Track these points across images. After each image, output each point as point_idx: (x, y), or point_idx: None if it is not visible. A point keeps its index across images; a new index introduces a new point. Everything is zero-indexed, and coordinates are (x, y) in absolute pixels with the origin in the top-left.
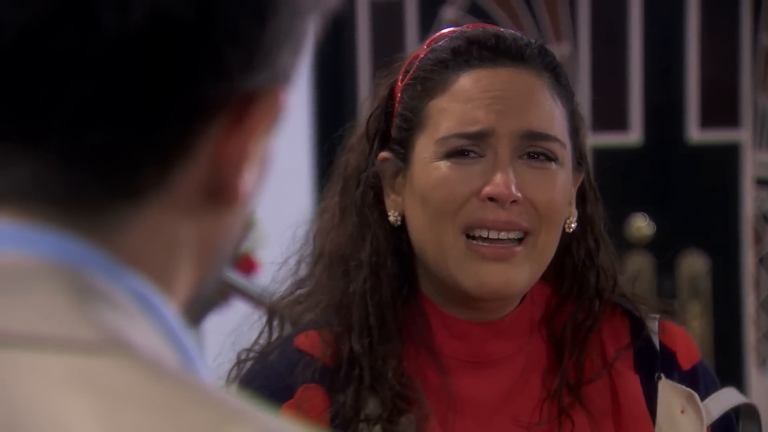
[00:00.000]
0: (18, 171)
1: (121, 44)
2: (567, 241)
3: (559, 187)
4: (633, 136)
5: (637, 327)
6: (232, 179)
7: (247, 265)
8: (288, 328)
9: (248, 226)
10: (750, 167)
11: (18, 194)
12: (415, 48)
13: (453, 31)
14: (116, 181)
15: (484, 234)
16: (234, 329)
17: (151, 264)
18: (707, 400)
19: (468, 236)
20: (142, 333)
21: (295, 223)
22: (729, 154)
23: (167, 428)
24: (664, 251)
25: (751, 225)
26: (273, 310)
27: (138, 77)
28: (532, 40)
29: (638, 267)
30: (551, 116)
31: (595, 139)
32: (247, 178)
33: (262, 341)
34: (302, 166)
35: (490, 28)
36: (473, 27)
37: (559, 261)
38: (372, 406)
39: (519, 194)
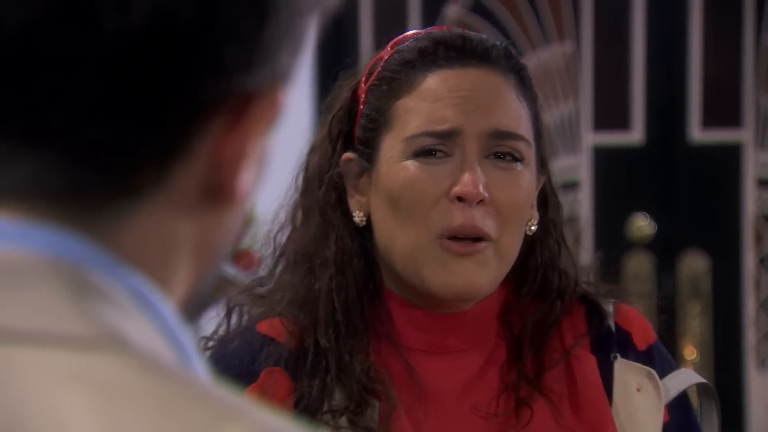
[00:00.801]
0: (18, 169)
1: (121, 43)
2: (530, 244)
3: (523, 189)
4: (635, 135)
5: (593, 312)
6: (231, 178)
7: (246, 261)
8: (247, 320)
9: (248, 222)
10: (751, 167)
11: (18, 192)
12: None
13: (417, 33)
14: (116, 179)
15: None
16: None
17: (149, 262)
18: (665, 379)
19: (439, 240)
20: (140, 330)
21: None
22: (731, 154)
23: (164, 424)
24: (664, 251)
25: (752, 225)
26: (232, 304)
27: (138, 76)
28: (498, 42)
29: (639, 266)
30: (518, 116)
31: (597, 138)
32: (246, 177)
33: (221, 332)
34: None
35: (456, 29)
36: (438, 29)
37: (523, 262)
38: (338, 398)
39: (486, 194)
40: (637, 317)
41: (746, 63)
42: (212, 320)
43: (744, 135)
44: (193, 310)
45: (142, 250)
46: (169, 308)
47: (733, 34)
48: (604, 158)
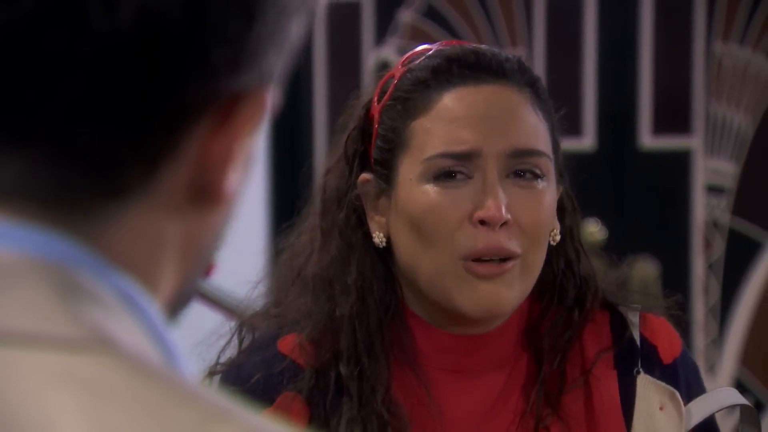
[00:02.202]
0: (6, 169)
1: (109, 44)
2: (548, 253)
3: (545, 206)
4: (586, 141)
5: (617, 322)
6: (218, 179)
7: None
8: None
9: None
10: (701, 174)
11: (4, 192)
12: (371, 50)
13: (428, 49)
14: (103, 180)
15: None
16: (202, 338)
17: (136, 262)
18: (690, 404)
19: (464, 260)
20: (127, 331)
21: (249, 222)
22: (681, 161)
23: (153, 426)
24: (615, 256)
25: (701, 231)
26: (242, 324)
27: (126, 77)
28: (510, 56)
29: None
30: (536, 131)
31: None
32: (233, 178)
33: (231, 354)
34: (257, 166)
35: (467, 45)
36: (449, 44)
37: (541, 272)
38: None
39: (509, 216)
40: (664, 328)
41: (696, 70)
42: (221, 342)
43: (694, 142)
44: (178, 310)
45: (129, 251)
46: (155, 309)
47: (684, 41)
48: None
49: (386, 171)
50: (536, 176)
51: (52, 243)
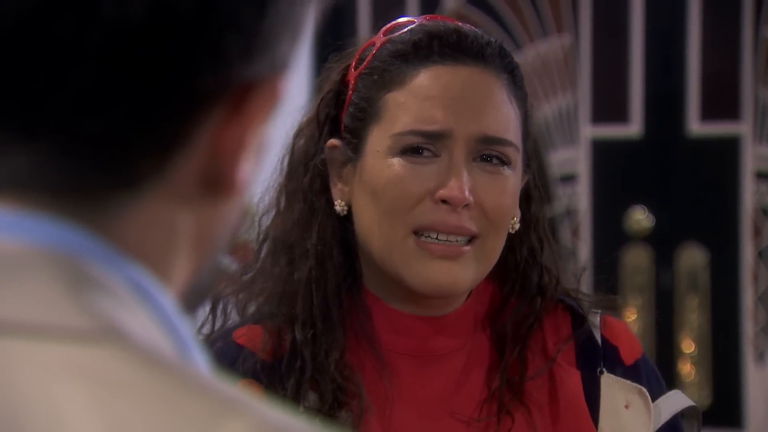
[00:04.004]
0: (16, 160)
1: (120, 32)
2: (511, 240)
3: (509, 192)
4: (633, 128)
5: (578, 322)
6: (230, 168)
7: (244, 253)
8: (233, 316)
9: (246, 215)
10: (750, 160)
11: (15, 183)
12: None
13: (411, 21)
14: (114, 170)
15: (433, 235)
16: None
17: (148, 253)
18: (658, 401)
19: (416, 233)
20: (139, 322)
21: None
22: (729, 147)
23: (163, 418)
24: (663, 244)
25: (751, 218)
26: (217, 298)
27: (137, 66)
28: (492, 39)
29: (637, 259)
30: (507, 119)
31: (595, 131)
32: (245, 167)
33: (205, 330)
34: None
35: (450, 22)
36: (432, 19)
37: (503, 259)
38: (312, 399)
39: (471, 198)
40: (624, 331)
41: (745, 55)
42: (199, 314)
43: (742, 128)
44: (192, 301)
45: (141, 241)
46: (168, 300)
47: (732, 26)
48: (602, 151)
49: (355, 140)
50: (503, 163)
51: (62, 233)
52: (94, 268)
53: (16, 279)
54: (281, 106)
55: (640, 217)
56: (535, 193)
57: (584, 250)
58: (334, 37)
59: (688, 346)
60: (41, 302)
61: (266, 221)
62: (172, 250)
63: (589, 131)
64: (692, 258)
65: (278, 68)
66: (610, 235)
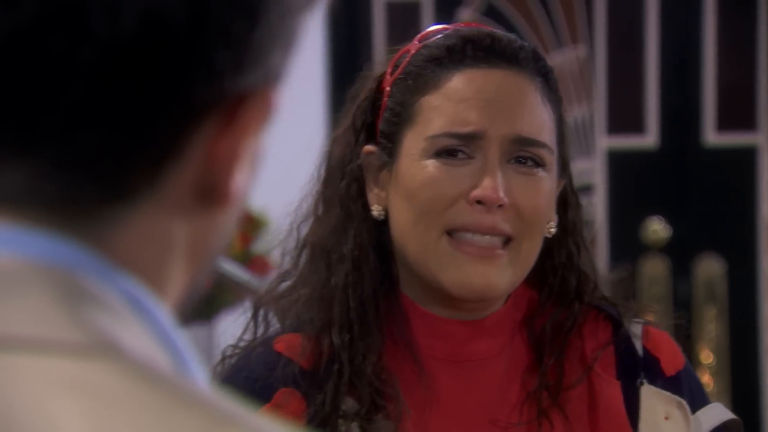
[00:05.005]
0: (10, 175)
1: (112, 47)
2: (548, 245)
3: (544, 194)
4: (649, 138)
5: (614, 323)
6: (224, 179)
7: (261, 266)
8: (274, 323)
9: (262, 227)
10: (766, 170)
11: (10, 198)
12: None
13: (446, 28)
14: (109, 183)
15: (468, 237)
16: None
17: (143, 265)
18: (698, 413)
19: (451, 234)
20: (135, 336)
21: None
22: (746, 157)
23: None
24: (680, 255)
25: (767, 228)
26: (258, 305)
27: (130, 80)
28: (526, 44)
29: (654, 270)
30: (541, 122)
31: (611, 142)
32: (239, 178)
33: (247, 337)
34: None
35: (485, 28)
36: (467, 26)
37: (540, 264)
38: (350, 403)
39: (506, 199)
40: (666, 341)
41: (761, 66)
42: (239, 324)
43: (759, 138)
44: (187, 311)
45: (136, 254)
46: (164, 313)
47: (748, 36)
48: (618, 162)
49: (390, 144)
50: (537, 164)
51: (57, 248)
52: (89, 282)
53: (12, 293)
54: (275, 117)
55: (657, 228)
56: (572, 199)
57: (601, 262)
58: (348, 54)
59: (706, 356)
60: (36, 316)
61: (303, 229)
62: (167, 261)
63: (605, 142)
64: (709, 268)
65: (271, 80)
66: (626, 246)
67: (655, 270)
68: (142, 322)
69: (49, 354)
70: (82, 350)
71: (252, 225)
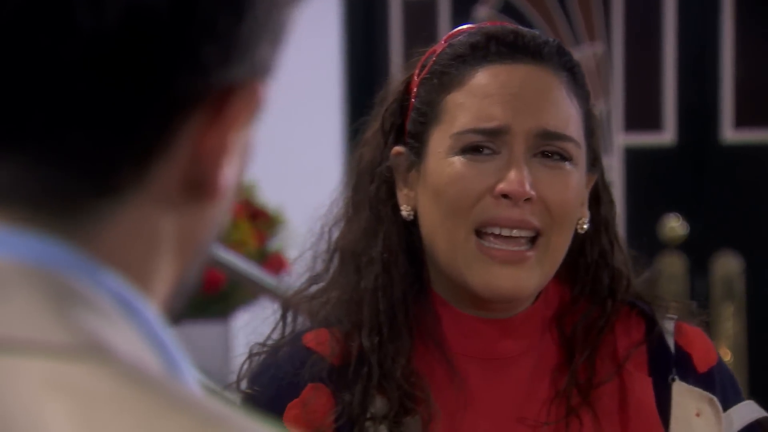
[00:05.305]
0: None
1: (96, 42)
2: (581, 242)
3: (572, 187)
4: (666, 136)
5: (652, 327)
6: (212, 172)
7: (276, 264)
8: (301, 323)
9: (278, 225)
10: None
11: None
12: None
13: (471, 27)
14: (95, 179)
15: (496, 231)
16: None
17: (131, 261)
18: (731, 410)
19: (479, 234)
20: (124, 337)
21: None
22: (763, 154)
23: None
24: (697, 252)
25: None
26: (287, 305)
27: (114, 75)
28: (550, 39)
29: (671, 267)
30: (567, 116)
31: (628, 139)
32: (228, 172)
33: (275, 336)
34: (333, 168)
35: (509, 25)
36: (492, 24)
37: (573, 261)
38: (379, 405)
39: (533, 192)
40: (699, 337)
41: None
42: (268, 323)
43: None
44: (177, 306)
45: (124, 249)
46: (153, 313)
47: (765, 33)
48: (635, 159)
49: (418, 144)
50: (564, 158)
51: (45, 248)
52: (77, 283)
53: (0, 295)
54: (263, 110)
55: (675, 225)
56: (605, 195)
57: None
58: (365, 50)
59: (724, 353)
60: (24, 318)
61: (335, 233)
62: (156, 256)
63: (622, 139)
64: (727, 265)
65: (258, 72)
66: (643, 243)
67: (672, 267)
68: (132, 324)
69: (37, 355)
70: (70, 352)
71: (268, 223)
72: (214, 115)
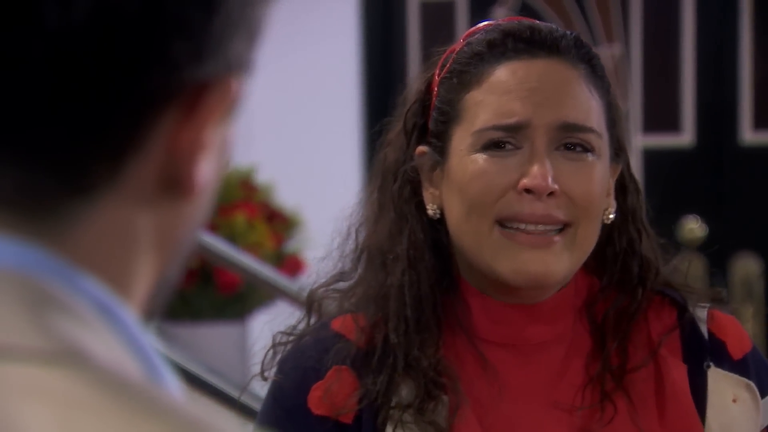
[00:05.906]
0: None
1: (65, 39)
2: (608, 232)
3: (596, 179)
4: (685, 137)
5: (679, 307)
6: (188, 169)
7: (293, 265)
8: (326, 316)
9: (295, 227)
10: None
11: None
12: None
13: (488, 24)
14: (67, 178)
15: (521, 227)
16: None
17: (109, 260)
18: (766, 399)
19: (502, 226)
20: (103, 343)
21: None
22: None
23: None
24: (716, 253)
25: None
26: (312, 299)
27: (84, 72)
28: (568, 32)
29: (690, 269)
30: (587, 107)
31: (646, 140)
32: (204, 168)
33: (300, 327)
34: (351, 169)
35: (526, 20)
36: (509, 20)
37: (601, 251)
38: (405, 393)
39: (556, 186)
40: (732, 324)
41: None
42: (292, 315)
43: None
44: (157, 305)
45: (101, 249)
46: (132, 317)
47: None
48: (653, 160)
49: (440, 143)
50: (586, 150)
51: (20, 252)
52: (55, 288)
53: None
54: (239, 105)
55: (693, 227)
56: (631, 185)
57: None
58: (383, 52)
59: None
60: (2, 324)
61: (362, 234)
62: (133, 255)
63: (640, 141)
64: (746, 267)
65: (233, 68)
66: (662, 244)
67: (691, 269)
68: (111, 329)
69: (13, 360)
70: (47, 357)
71: (285, 225)
72: (188, 112)
